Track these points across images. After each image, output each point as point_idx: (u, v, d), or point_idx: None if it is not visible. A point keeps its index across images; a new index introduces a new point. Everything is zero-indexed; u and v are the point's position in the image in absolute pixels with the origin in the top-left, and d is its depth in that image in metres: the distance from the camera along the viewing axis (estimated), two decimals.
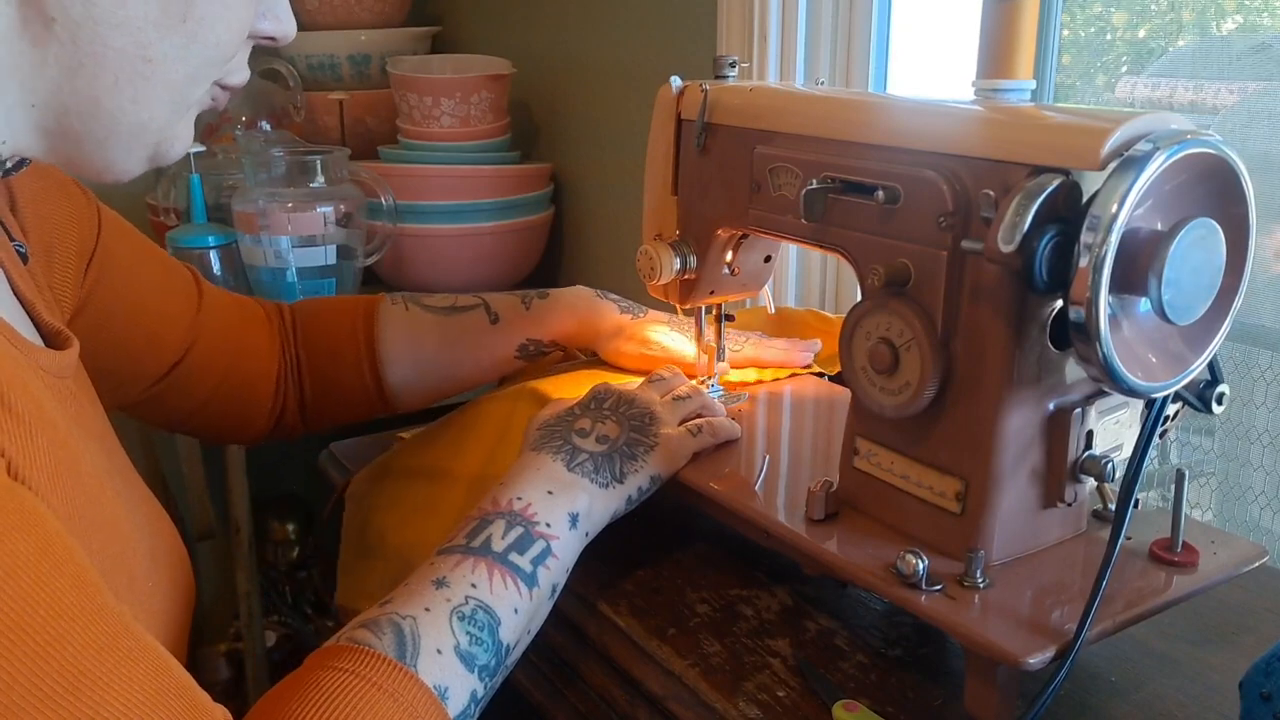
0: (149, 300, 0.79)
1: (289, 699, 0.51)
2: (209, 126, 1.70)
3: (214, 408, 0.85)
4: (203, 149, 1.48)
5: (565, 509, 0.66)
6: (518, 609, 0.60)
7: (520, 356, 0.92)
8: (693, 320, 0.88)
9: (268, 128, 1.69)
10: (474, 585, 0.59)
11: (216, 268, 1.43)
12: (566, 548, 0.65)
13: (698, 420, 0.77)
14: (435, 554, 0.62)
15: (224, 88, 0.59)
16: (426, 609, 0.57)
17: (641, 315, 0.93)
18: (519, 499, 0.65)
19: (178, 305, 0.82)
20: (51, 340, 0.61)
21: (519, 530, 0.63)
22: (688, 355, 0.90)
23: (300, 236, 1.38)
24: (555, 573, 0.64)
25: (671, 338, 0.92)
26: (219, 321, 0.85)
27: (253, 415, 0.88)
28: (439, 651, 0.55)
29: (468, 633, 0.57)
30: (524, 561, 0.62)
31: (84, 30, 0.51)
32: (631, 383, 0.80)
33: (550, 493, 0.66)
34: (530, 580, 0.62)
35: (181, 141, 0.58)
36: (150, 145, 0.57)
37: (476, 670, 0.57)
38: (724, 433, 0.78)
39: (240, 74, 0.60)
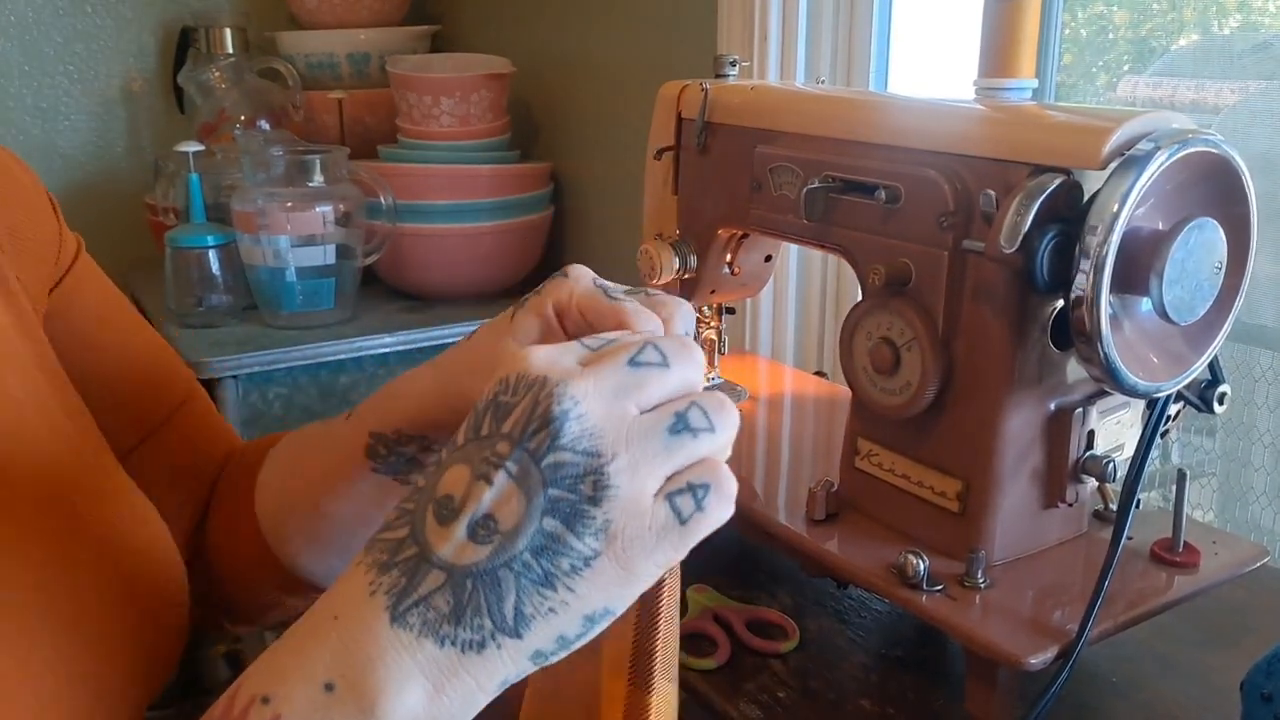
0: (108, 367, 0.63)
1: None
2: (207, 126, 1.69)
3: None
4: (201, 148, 1.48)
5: None
6: None
7: (378, 468, 0.55)
8: None
9: (266, 127, 1.69)
10: None
11: (215, 267, 1.43)
12: None
13: (693, 464, 0.37)
14: None
15: None
16: None
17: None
18: (265, 699, 0.36)
19: (141, 383, 0.65)
20: None
21: None
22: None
23: (299, 236, 1.38)
24: None
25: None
26: (183, 440, 0.66)
27: None
28: None
29: None
30: None
31: None
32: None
33: (329, 688, 0.35)
34: None
35: None
36: None
37: None
38: (724, 502, 0.38)
39: None
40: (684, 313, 0.45)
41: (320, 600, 0.38)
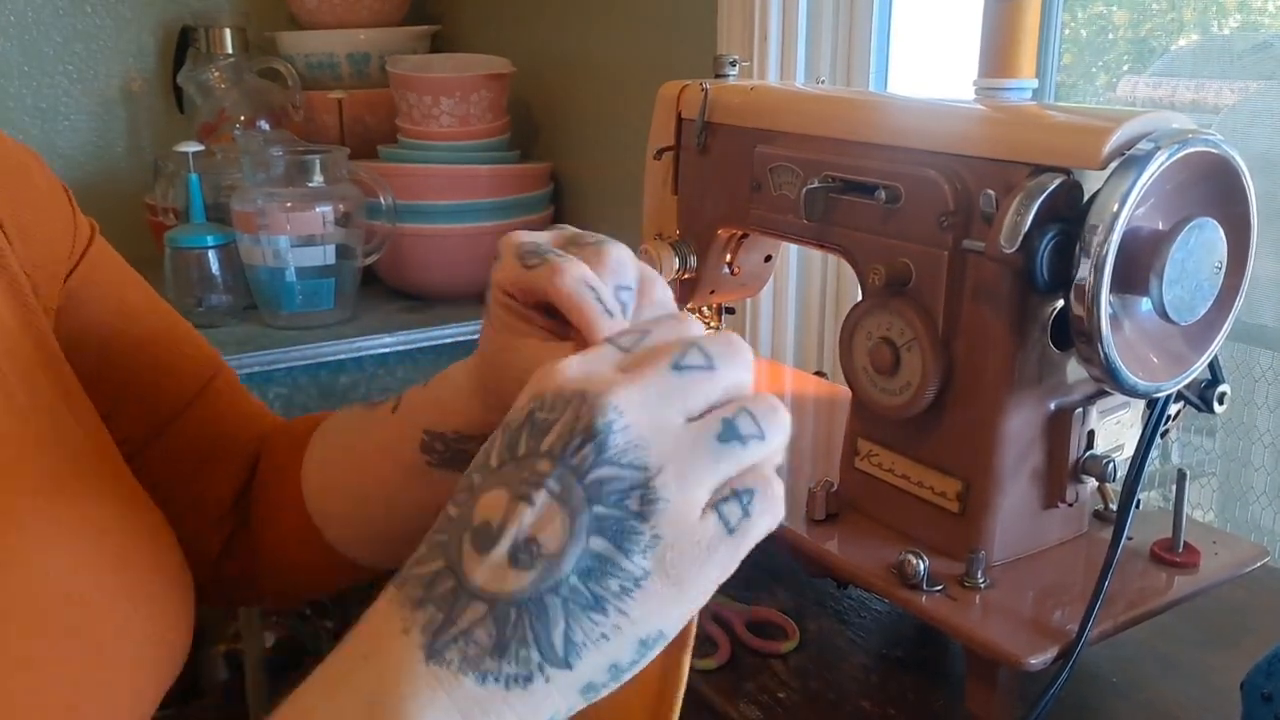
0: (130, 349, 0.63)
1: None
2: (207, 126, 1.69)
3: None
4: (201, 148, 1.48)
5: None
6: None
7: (434, 463, 0.55)
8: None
9: (266, 127, 1.69)
10: None
11: (215, 267, 1.43)
12: None
13: (744, 471, 0.35)
14: None
15: None
16: None
17: None
18: None
19: (167, 362, 0.65)
20: None
21: None
22: None
23: (299, 236, 1.38)
24: None
25: None
26: (209, 423, 0.65)
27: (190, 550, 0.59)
28: None
29: None
30: None
31: None
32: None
33: None
34: None
35: None
36: None
37: None
38: (771, 508, 0.36)
39: None
40: (617, 259, 0.46)
41: (348, 639, 0.35)
